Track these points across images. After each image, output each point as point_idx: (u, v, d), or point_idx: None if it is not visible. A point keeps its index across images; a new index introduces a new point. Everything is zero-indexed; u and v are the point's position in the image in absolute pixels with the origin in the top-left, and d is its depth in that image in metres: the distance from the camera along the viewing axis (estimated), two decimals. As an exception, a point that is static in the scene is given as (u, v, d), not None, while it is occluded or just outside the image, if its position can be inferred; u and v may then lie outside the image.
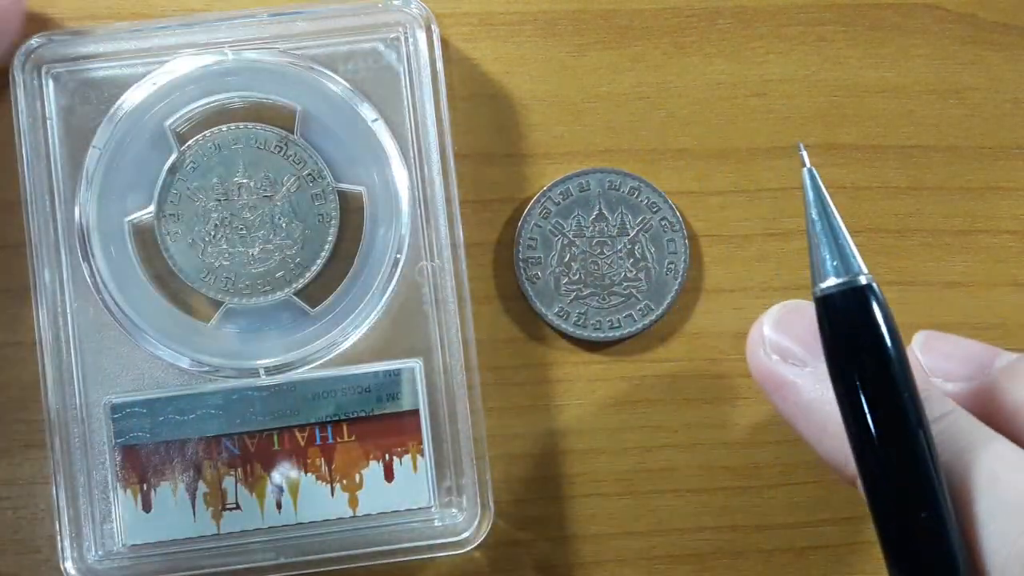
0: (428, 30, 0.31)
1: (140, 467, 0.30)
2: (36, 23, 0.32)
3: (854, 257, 0.23)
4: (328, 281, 0.31)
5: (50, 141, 0.30)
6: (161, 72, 0.30)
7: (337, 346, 0.30)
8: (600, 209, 0.33)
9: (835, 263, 0.23)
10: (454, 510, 0.30)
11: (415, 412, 0.30)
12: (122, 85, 0.30)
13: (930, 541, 0.21)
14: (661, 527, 0.31)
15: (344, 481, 0.30)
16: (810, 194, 0.23)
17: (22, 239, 0.31)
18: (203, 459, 0.30)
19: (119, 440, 0.30)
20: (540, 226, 0.32)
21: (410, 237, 0.30)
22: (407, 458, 0.30)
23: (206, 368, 0.30)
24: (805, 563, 0.32)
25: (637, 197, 0.33)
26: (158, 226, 0.30)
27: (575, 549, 0.32)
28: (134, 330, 0.30)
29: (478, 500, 0.30)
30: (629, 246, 0.32)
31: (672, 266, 0.32)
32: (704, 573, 0.31)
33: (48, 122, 0.30)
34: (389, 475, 0.30)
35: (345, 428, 0.30)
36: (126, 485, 0.30)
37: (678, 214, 0.32)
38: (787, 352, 0.25)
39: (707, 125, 0.34)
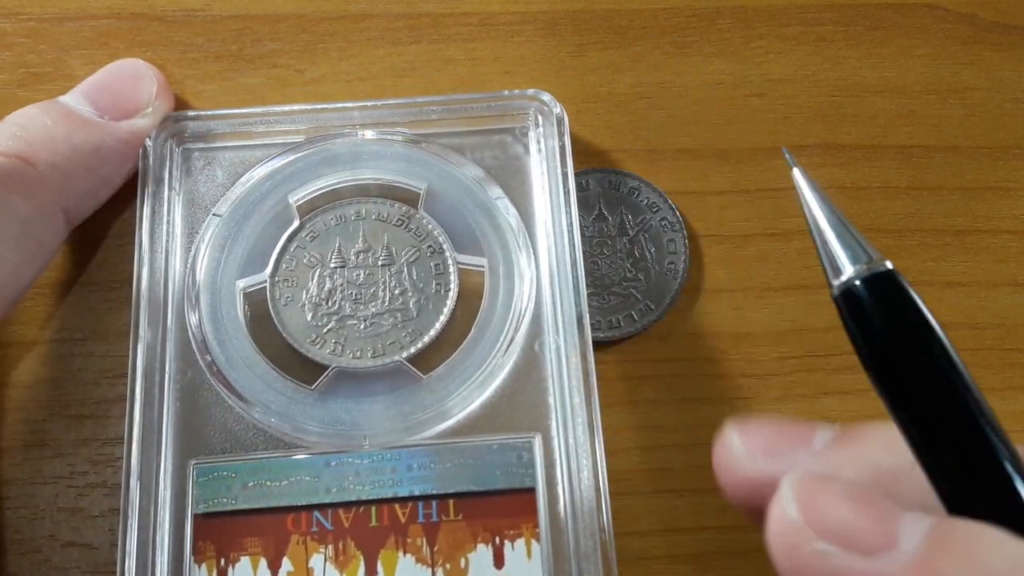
0: (558, 121, 0.31)
1: (219, 538, 0.27)
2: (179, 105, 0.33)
3: (869, 246, 0.21)
4: (442, 351, 0.30)
5: (172, 205, 0.31)
6: (290, 151, 0.31)
7: (448, 416, 0.29)
8: (600, 209, 0.33)
9: (851, 254, 0.21)
10: None
11: (531, 491, 0.28)
12: (249, 163, 0.31)
13: None
14: (661, 527, 0.31)
15: (448, 565, 0.27)
16: (807, 193, 0.22)
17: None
18: (291, 532, 0.27)
19: (200, 507, 0.28)
20: (540, 226, 0.32)
21: (532, 312, 0.30)
22: (520, 543, 0.27)
23: (306, 434, 0.29)
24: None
25: (637, 197, 0.33)
26: (271, 289, 0.30)
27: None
28: (233, 392, 0.29)
29: None
30: (629, 246, 0.32)
31: (672, 266, 0.32)
32: (704, 573, 0.31)
33: (172, 192, 0.31)
34: (499, 561, 0.27)
35: (452, 505, 0.28)
36: (202, 558, 0.27)
37: (678, 214, 0.32)
38: (847, 533, 0.18)
39: (707, 125, 0.34)
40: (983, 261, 0.33)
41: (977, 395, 0.19)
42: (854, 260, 0.21)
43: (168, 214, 0.31)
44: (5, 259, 0.27)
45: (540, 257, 0.30)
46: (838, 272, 0.21)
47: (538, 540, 0.27)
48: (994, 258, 0.33)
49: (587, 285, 0.32)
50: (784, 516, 0.18)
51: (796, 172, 0.23)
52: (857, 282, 0.20)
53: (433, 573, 0.27)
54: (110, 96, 0.31)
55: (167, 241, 0.30)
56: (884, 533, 0.18)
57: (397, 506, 0.28)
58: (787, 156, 0.23)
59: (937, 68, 0.35)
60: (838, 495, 0.18)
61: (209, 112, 0.32)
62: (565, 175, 0.31)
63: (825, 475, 0.19)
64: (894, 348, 0.20)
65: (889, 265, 0.21)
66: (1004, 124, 0.34)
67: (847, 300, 0.20)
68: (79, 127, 0.29)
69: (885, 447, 0.21)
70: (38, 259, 0.28)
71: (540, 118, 0.32)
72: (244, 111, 0.32)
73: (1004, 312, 0.32)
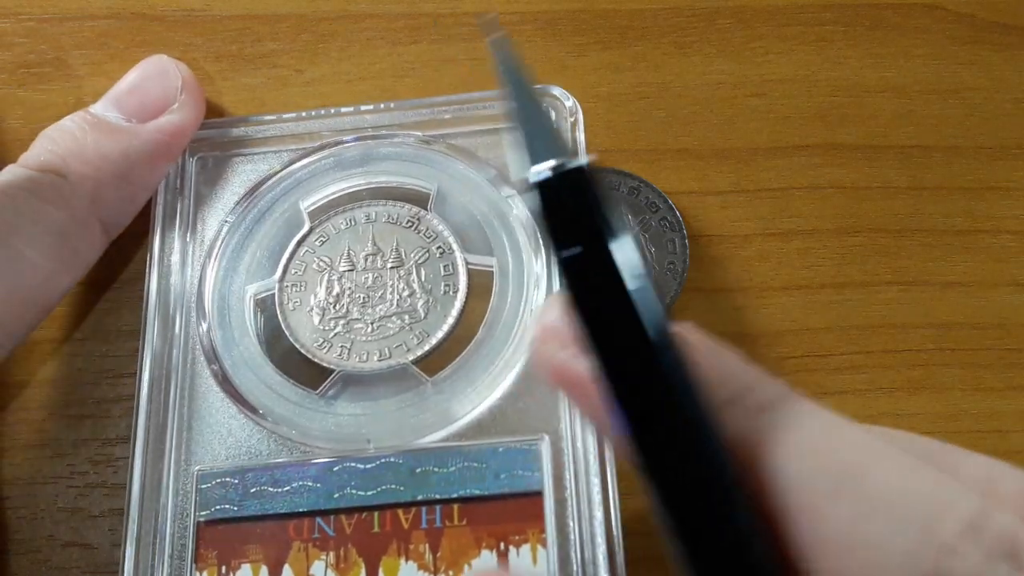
0: (572, 117, 0.31)
1: (221, 545, 0.27)
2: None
3: (565, 140, 0.21)
4: (449, 354, 0.29)
5: (185, 214, 0.31)
6: (301, 156, 0.32)
7: (454, 419, 0.28)
8: (600, 209, 0.32)
9: (548, 147, 0.20)
10: None
11: (538, 495, 0.27)
12: (261, 170, 0.32)
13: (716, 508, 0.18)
14: (661, 527, 0.31)
15: (451, 572, 0.26)
16: (508, 77, 0.21)
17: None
18: (292, 539, 0.27)
19: (202, 513, 0.27)
20: (540, 226, 0.32)
21: None
22: (526, 548, 0.26)
23: (312, 439, 0.28)
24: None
25: (637, 197, 0.33)
26: (279, 294, 0.30)
27: (575, 549, 0.32)
28: (240, 400, 0.29)
29: None
30: (629, 246, 0.32)
31: (672, 266, 0.32)
32: (704, 573, 0.31)
33: (184, 200, 0.31)
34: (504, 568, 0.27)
35: (456, 510, 0.27)
36: (203, 566, 0.27)
37: (678, 214, 0.32)
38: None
39: (707, 125, 0.34)
40: (983, 261, 0.33)
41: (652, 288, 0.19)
42: (552, 154, 0.20)
43: (180, 222, 0.31)
44: (39, 266, 0.28)
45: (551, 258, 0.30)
46: (534, 164, 0.20)
47: (544, 546, 0.26)
48: (994, 258, 0.33)
49: (587, 285, 0.32)
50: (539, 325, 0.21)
51: (491, 44, 0.21)
52: (551, 175, 0.20)
53: None
54: (137, 99, 0.31)
55: (179, 249, 0.30)
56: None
57: (400, 511, 0.27)
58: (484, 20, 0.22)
59: (937, 68, 0.35)
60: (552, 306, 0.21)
61: (220, 120, 0.32)
62: None
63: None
64: (579, 245, 0.19)
65: (583, 161, 0.20)
66: (1004, 124, 0.34)
67: (544, 195, 0.20)
68: (107, 135, 0.30)
69: None
70: (72, 268, 0.29)
71: (553, 114, 0.31)
72: (256, 118, 0.32)
73: (1004, 312, 0.32)
